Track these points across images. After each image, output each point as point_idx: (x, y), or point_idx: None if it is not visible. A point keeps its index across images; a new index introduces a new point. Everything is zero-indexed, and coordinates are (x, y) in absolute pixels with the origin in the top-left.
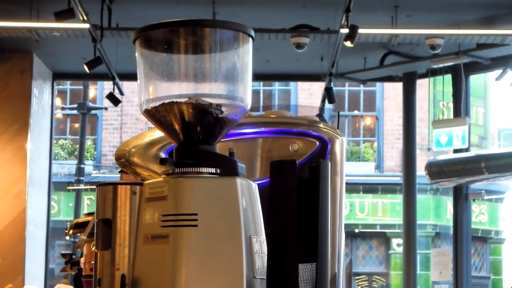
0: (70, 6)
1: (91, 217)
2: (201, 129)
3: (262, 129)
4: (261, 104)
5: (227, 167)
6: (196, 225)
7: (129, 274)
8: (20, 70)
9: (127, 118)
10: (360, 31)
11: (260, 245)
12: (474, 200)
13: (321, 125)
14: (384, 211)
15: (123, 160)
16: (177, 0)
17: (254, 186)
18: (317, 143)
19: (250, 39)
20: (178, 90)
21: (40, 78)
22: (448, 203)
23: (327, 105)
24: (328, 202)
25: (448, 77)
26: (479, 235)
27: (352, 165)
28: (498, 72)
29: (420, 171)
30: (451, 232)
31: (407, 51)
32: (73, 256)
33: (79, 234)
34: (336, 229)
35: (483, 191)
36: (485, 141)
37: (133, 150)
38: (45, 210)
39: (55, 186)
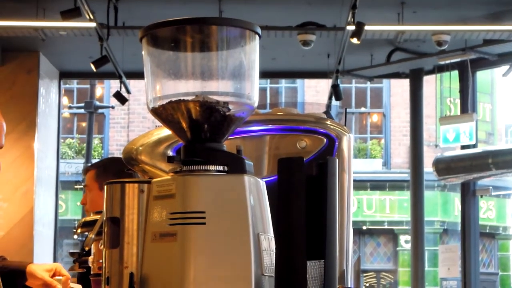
0: (76, 5)
1: (99, 216)
2: (209, 127)
3: (270, 126)
4: (268, 101)
5: (235, 165)
6: (204, 223)
7: (137, 272)
8: (26, 70)
9: (134, 117)
10: (367, 28)
11: (268, 242)
12: (481, 196)
13: (328, 122)
14: (392, 208)
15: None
16: None
17: (262, 183)
18: (325, 140)
19: (257, 37)
20: (185, 88)
21: (47, 77)
22: (455, 199)
23: (334, 102)
24: (336, 199)
25: (455, 73)
26: (487, 231)
27: (360, 162)
28: (505, 68)
29: (428, 167)
30: (459, 228)
31: (414, 47)
32: (81, 255)
33: (87, 232)
34: (344, 226)
35: (490, 187)
36: (492, 137)
37: (140, 148)
38: (53, 209)
39: (63, 185)
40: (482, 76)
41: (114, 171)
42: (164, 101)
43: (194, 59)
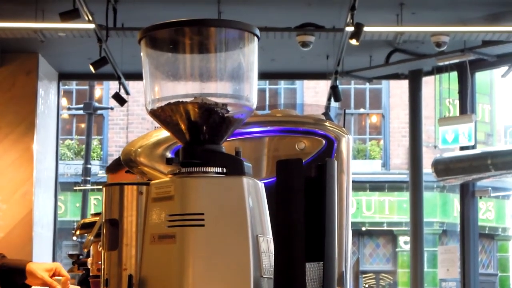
0: (75, 7)
1: (98, 218)
2: (207, 128)
3: (268, 128)
4: (267, 103)
5: (234, 167)
6: (202, 225)
7: (136, 274)
8: (26, 71)
9: (133, 118)
10: (366, 29)
11: (267, 244)
12: (481, 197)
13: (327, 124)
14: (391, 209)
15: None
16: (183, 0)
17: (261, 185)
18: (323, 141)
19: (256, 38)
20: (184, 89)
21: (46, 78)
22: (455, 200)
23: (333, 104)
24: (334, 201)
25: (454, 75)
26: (486, 232)
27: (359, 163)
28: (504, 69)
29: (427, 168)
30: (458, 229)
31: (413, 48)
32: (80, 257)
33: (86, 234)
34: (343, 228)
35: (489, 188)
36: (491, 138)
37: (139, 150)
38: (52, 210)
39: (62, 186)
40: (481, 77)
41: None
42: (163, 103)
43: (192, 60)
